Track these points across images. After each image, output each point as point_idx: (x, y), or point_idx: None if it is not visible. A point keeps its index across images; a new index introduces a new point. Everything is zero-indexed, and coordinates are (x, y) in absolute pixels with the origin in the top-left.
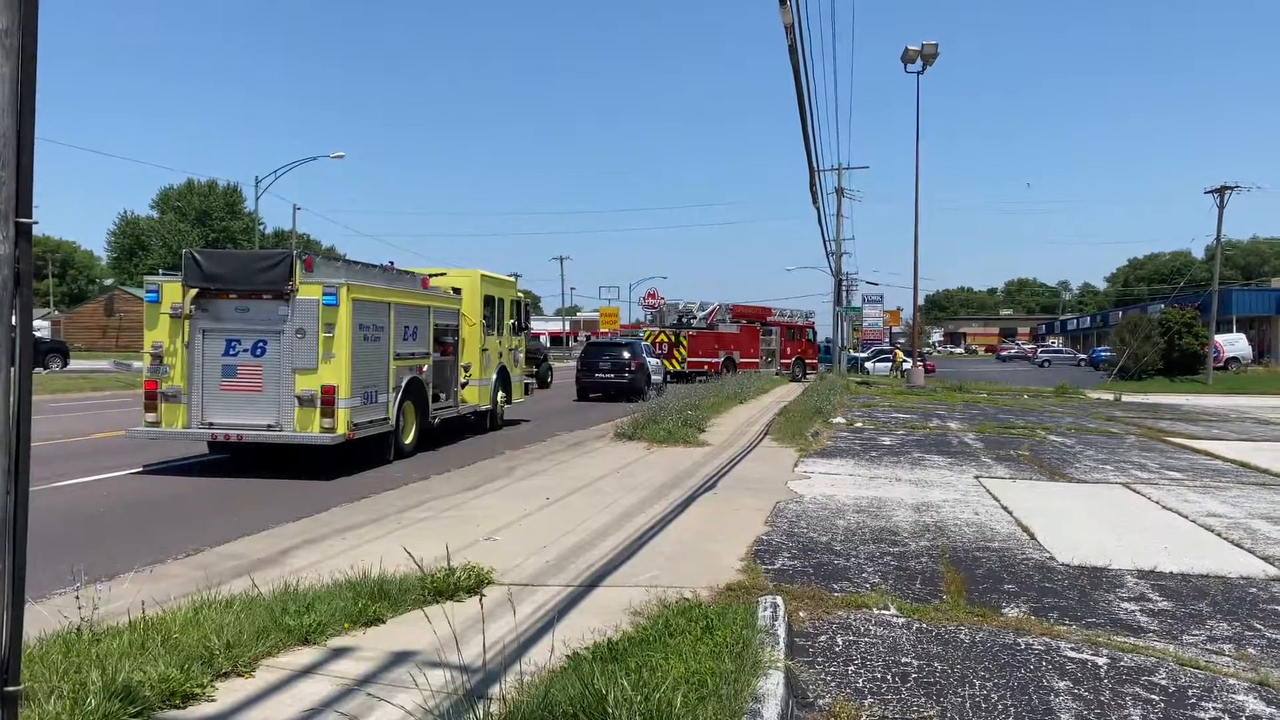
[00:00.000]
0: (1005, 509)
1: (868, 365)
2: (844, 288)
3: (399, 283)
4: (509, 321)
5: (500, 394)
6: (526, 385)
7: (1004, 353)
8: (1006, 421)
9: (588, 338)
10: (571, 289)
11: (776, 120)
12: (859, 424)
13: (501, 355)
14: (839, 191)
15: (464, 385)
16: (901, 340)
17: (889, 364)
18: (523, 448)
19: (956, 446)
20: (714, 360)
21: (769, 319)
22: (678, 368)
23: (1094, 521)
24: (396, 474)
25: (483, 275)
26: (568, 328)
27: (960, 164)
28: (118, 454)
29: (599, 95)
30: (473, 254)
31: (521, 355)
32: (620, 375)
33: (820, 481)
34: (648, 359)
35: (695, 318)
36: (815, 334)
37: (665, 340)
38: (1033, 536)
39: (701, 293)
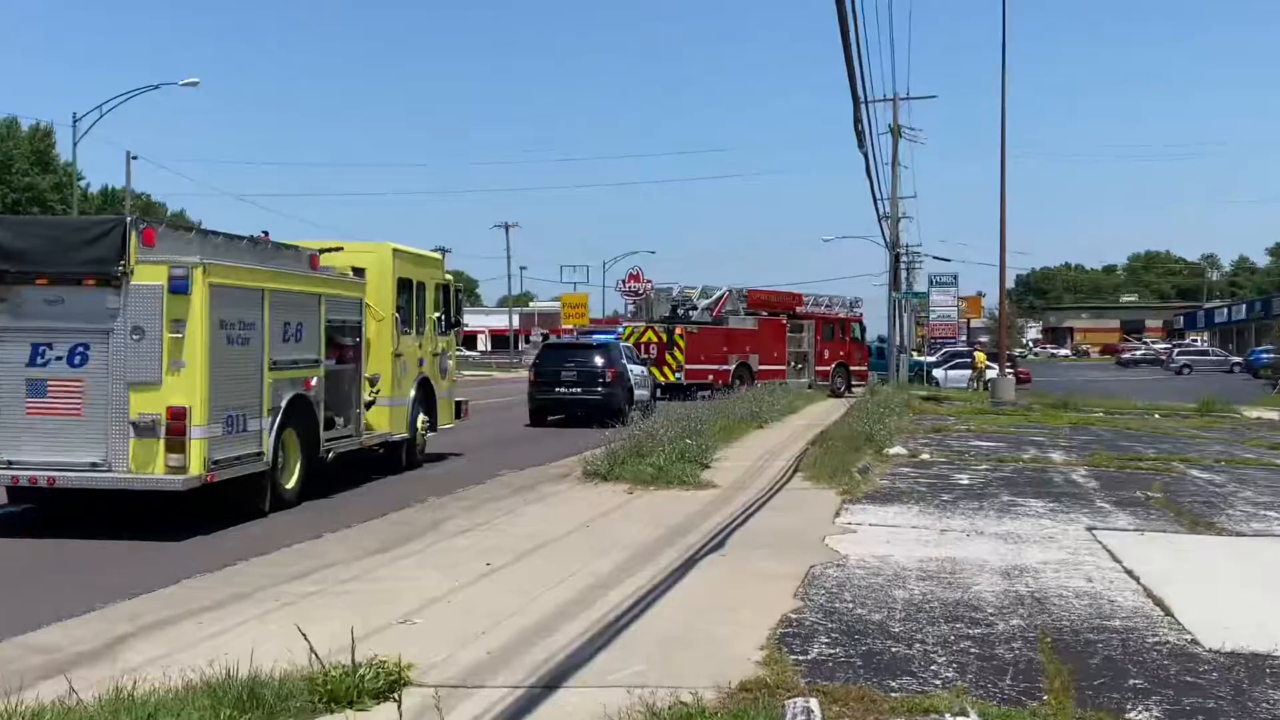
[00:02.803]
0: (1129, 573)
1: (937, 373)
2: (903, 265)
3: (277, 261)
4: (433, 315)
5: (422, 417)
6: (459, 405)
7: (1127, 355)
8: (1130, 451)
9: (544, 337)
10: (522, 269)
11: (806, 27)
12: (925, 455)
13: (423, 362)
14: (894, 131)
15: (370, 405)
16: (984, 339)
17: (967, 371)
18: (453, 492)
19: (1061, 486)
20: (722, 368)
21: (799, 310)
22: (672, 378)
23: (1253, 590)
24: (275, 531)
25: (395, 250)
26: (517, 323)
27: (1064, 98)
28: None
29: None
30: (384, 222)
31: (451, 362)
32: (590, 390)
33: (871, 537)
34: (629, 367)
35: (696, 308)
36: (863, 330)
37: (654, 340)
38: (1168, 612)
39: (705, 274)
